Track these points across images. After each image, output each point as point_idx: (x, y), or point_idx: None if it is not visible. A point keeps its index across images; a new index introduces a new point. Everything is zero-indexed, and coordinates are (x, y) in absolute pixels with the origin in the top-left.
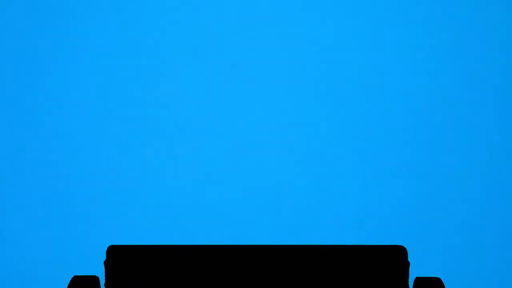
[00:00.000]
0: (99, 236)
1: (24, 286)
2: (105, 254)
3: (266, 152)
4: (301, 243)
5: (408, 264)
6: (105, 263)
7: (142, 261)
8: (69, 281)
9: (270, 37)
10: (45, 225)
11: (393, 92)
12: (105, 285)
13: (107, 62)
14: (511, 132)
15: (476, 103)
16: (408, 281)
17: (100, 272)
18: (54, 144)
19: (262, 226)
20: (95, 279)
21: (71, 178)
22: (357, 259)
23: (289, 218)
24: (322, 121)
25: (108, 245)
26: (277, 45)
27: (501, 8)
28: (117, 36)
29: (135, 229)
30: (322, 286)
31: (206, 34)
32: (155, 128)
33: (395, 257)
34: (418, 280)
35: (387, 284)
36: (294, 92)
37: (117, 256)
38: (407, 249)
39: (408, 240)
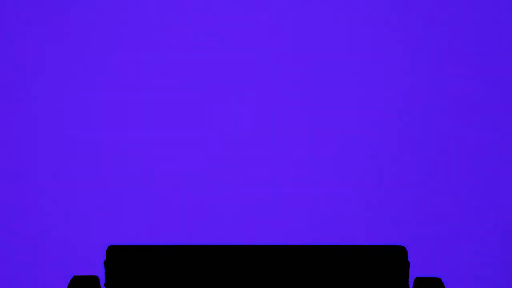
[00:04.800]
0: (99, 236)
1: (24, 286)
2: (105, 254)
3: (266, 152)
4: (301, 243)
5: (408, 264)
6: (105, 263)
7: (142, 261)
8: (69, 281)
9: (270, 37)
10: (45, 225)
11: (393, 93)
12: (105, 285)
13: (107, 62)
14: (511, 131)
15: (476, 102)
16: (408, 281)
17: (100, 272)
18: (54, 144)
19: (262, 226)
20: (95, 279)
21: (71, 178)
22: (357, 259)
23: (289, 218)
24: (322, 122)
25: (108, 245)
26: (278, 46)
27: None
28: (116, 35)
29: (135, 229)
30: (322, 286)
31: (206, 34)
32: (155, 128)
33: (395, 257)
34: (418, 280)
35: (387, 284)
36: (294, 92)
37: (117, 256)
38: (407, 249)
39: (408, 240)
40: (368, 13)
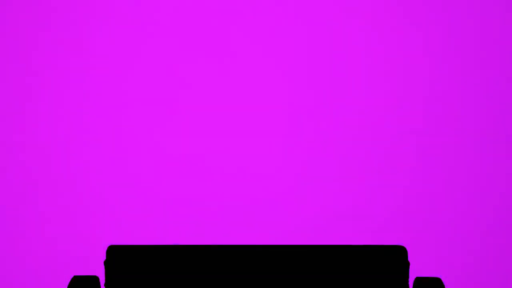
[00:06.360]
0: (99, 236)
1: (24, 286)
2: (105, 254)
3: (266, 152)
4: (301, 243)
5: (408, 264)
6: (105, 263)
7: (142, 261)
8: (69, 281)
9: (271, 35)
10: (45, 225)
11: (393, 91)
12: (105, 285)
13: (107, 61)
14: (511, 131)
15: (477, 102)
16: (408, 281)
17: (100, 272)
18: (54, 144)
19: (262, 226)
20: (95, 279)
21: (71, 178)
22: (357, 259)
23: (289, 218)
24: (322, 121)
25: (108, 245)
26: (279, 45)
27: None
28: (117, 36)
29: (135, 229)
30: (322, 286)
31: (206, 34)
32: (155, 128)
33: (395, 257)
34: (418, 280)
35: (387, 284)
36: (293, 92)
37: (117, 256)
38: (407, 249)
39: (408, 240)
40: (372, 14)
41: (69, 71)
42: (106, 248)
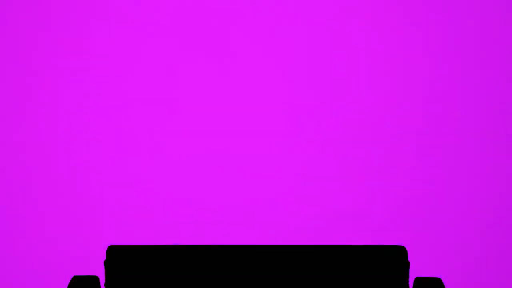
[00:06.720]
0: (99, 236)
1: (24, 286)
2: (105, 254)
3: (266, 152)
4: (301, 243)
5: (408, 264)
6: (105, 263)
7: (142, 261)
8: (69, 281)
9: (271, 35)
10: (45, 225)
11: (393, 91)
12: (105, 285)
13: (107, 62)
14: (511, 131)
15: (477, 102)
16: (408, 281)
17: (100, 272)
18: (54, 144)
19: (262, 226)
20: (95, 279)
21: (71, 178)
22: (357, 259)
23: (289, 218)
24: (322, 121)
25: (108, 245)
26: (280, 45)
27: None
28: (117, 36)
29: (135, 229)
30: (322, 286)
31: (206, 34)
32: (155, 128)
33: (395, 257)
34: (418, 280)
35: (387, 284)
36: (293, 92)
37: (117, 256)
38: (407, 249)
39: (408, 240)
40: (372, 14)
41: (69, 71)
42: (106, 248)
